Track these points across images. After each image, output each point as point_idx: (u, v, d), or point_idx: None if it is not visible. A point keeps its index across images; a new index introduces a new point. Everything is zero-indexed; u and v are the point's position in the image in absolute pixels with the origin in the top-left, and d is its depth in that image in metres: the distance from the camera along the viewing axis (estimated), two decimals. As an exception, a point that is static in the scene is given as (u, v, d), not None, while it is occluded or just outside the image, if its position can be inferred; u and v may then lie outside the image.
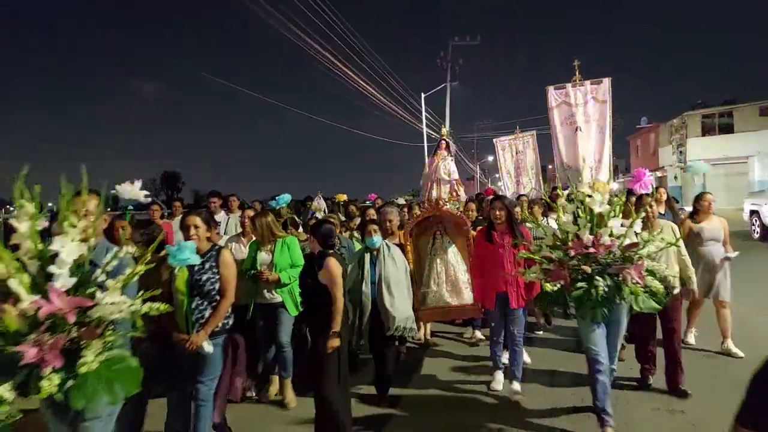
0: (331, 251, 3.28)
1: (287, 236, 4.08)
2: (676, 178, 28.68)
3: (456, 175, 4.80)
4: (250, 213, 4.61)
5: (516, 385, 3.93)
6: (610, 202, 3.13)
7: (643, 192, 3.53)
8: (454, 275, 4.58)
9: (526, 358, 4.45)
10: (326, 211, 8.04)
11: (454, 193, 4.73)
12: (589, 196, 3.13)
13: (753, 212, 13.50)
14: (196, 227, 3.04)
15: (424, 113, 26.11)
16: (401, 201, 14.74)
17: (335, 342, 3.07)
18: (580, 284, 3.00)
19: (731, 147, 24.56)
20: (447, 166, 4.75)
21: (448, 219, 4.63)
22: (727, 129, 26.05)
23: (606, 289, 2.93)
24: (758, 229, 13.13)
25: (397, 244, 4.29)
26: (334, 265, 3.14)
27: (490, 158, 37.44)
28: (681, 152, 26.84)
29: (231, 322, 3.17)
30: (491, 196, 6.13)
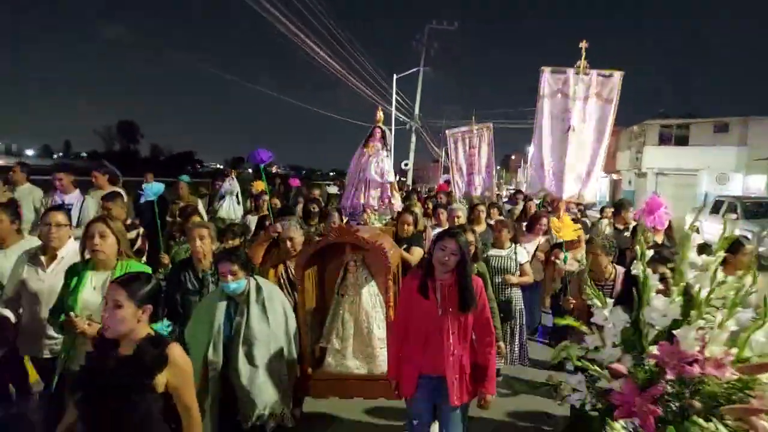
0: (165, 332, 1.93)
1: (133, 261, 2.66)
2: (630, 182, 29.39)
3: (391, 177, 3.70)
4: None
5: None
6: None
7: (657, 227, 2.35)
8: (368, 329, 3.24)
9: None
10: (239, 195, 6.76)
11: (387, 200, 3.64)
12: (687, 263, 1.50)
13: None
14: None
15: (394, 95, 25.00)
16: (333, 189, 11.94)
17: None
18: (671, 428, 1.36)
19: (684, 158, 25.22)
20: (380, 163, 3.63)
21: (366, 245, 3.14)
22: (683, 141, 26.61)
23: None
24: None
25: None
26: (181, 357, 1.89)
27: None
28: (638, 158, 27.27)
29: None
30: (443, 199, 5.00)
